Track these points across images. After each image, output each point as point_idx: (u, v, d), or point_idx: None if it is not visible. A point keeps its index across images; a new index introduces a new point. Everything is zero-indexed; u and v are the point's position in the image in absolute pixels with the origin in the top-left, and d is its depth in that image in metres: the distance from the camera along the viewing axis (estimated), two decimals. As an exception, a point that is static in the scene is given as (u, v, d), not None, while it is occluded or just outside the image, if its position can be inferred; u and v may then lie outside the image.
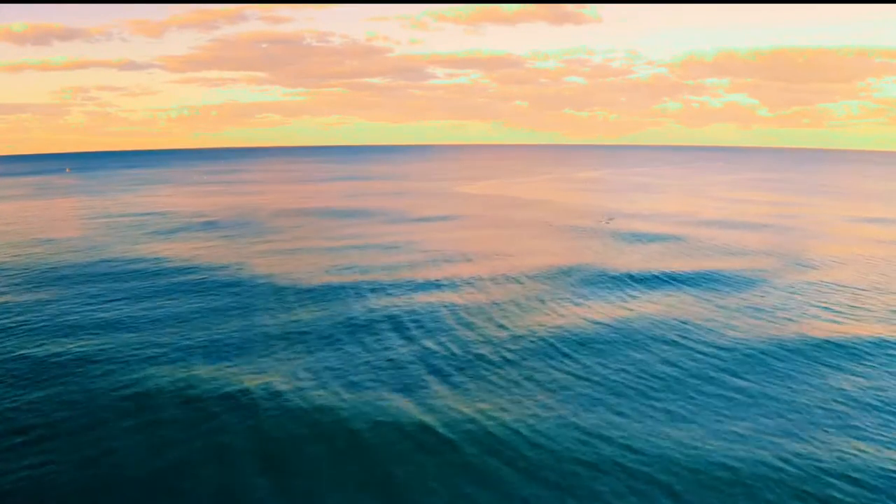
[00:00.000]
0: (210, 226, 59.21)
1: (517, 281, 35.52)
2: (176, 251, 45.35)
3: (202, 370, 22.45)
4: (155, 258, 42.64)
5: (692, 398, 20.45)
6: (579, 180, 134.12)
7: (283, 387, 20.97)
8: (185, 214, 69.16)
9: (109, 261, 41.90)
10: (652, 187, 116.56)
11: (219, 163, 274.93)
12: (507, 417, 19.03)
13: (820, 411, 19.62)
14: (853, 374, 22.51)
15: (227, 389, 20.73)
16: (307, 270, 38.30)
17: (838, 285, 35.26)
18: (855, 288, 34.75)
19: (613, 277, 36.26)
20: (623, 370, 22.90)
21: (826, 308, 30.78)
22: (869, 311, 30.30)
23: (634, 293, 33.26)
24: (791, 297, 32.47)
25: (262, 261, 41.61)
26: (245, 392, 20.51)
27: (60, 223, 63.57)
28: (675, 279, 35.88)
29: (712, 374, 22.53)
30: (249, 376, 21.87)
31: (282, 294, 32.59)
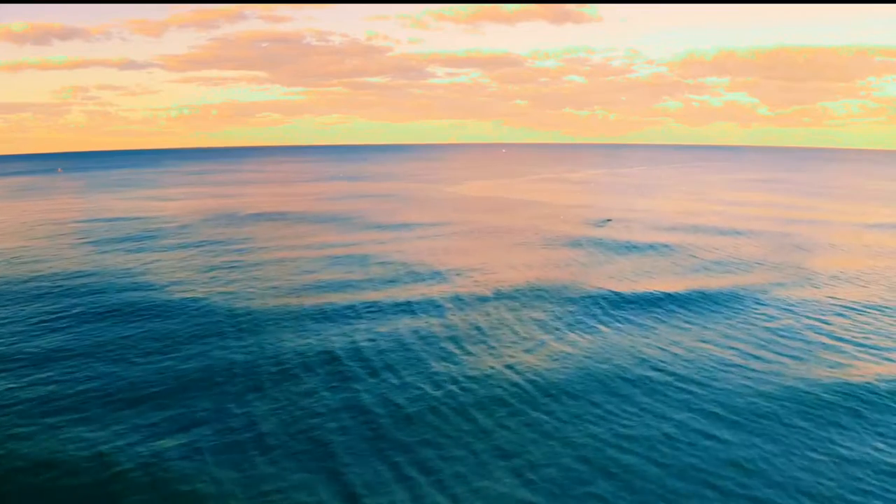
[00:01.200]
0: (171, 233, 54.96)
1: (485, 302, 31.16)
2: (114, 263, 41.07)
3: (77, 429, 18.18)
4: (87, 272, 38.27)
5: (681, 475, 16.21)
6: (575, 180, 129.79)
7: (170, 463, 16.74)
8: (154, 220, 64.97)
9: (37, 277, 37.64)
10: (649, 188, 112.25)
11: (214, 162, 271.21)
12: None
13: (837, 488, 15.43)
14: (875, 431, 18.29)
15: (99, 461, 16.52)
16: (250, 290, 34.00)
17: (846, 307, 30.97)
18: (865, 311, 30.46)
19: (596, 298, 31.94)
20: (600, 421, 18.71)
21: (834, 336, 26.53)
22: (885, 337, 26.01)
23: (620, 317, 28.97)
24: (794, 324, 28.17)
25: (200, 277, 37.27)
26: (114, 465, 16.31)
27: (24, 228, 59.43)
28: (665, 300, 31.53)
29: (705, 434, 18.28)
30: (132, 441, 17.65)
31: (213, 321, 28.30)
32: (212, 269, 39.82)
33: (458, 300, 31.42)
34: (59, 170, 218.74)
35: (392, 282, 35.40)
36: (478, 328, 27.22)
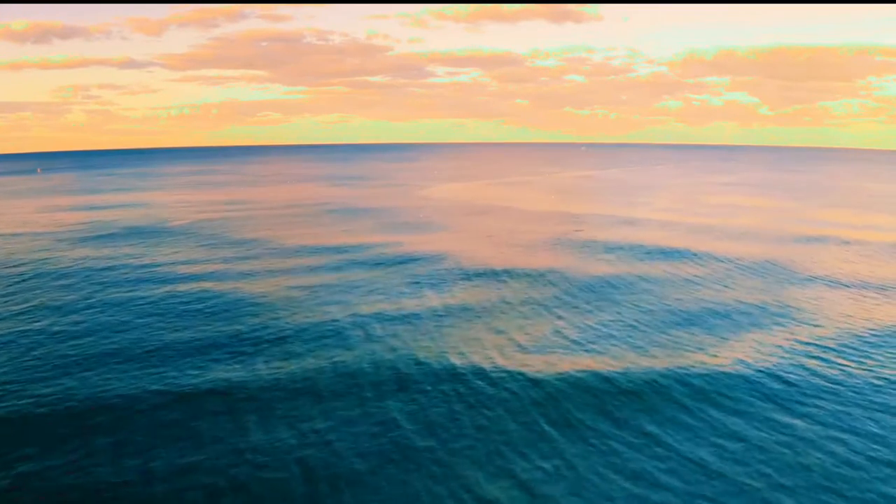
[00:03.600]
0: (51, 256, 45.26)
1: (322, 395, 21.25)
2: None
3: None
4: None
5: None
6: (557, 182, 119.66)
7: None
8: (58, 234, 55.47)
9: None
10: (633, 192, 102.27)
11: (201, 163, 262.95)
12: None
13: None
14: None
15: None
16: (49, 361, 24.19)
17: (856, 393, 21.09)
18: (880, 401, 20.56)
19: (498, 382, 22.05)
20: None
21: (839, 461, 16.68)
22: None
23: (525, 431, 19.20)
24: (779, 439, 18.31)
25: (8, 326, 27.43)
26: None
27: None
28: (595, 385, 21.61)
29: None
30: None
31: None
32: (42, 316, 30.11)
33: (281, 392, 21.35)
34: (39, 170, 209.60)
35: (216, 353, 25.53)
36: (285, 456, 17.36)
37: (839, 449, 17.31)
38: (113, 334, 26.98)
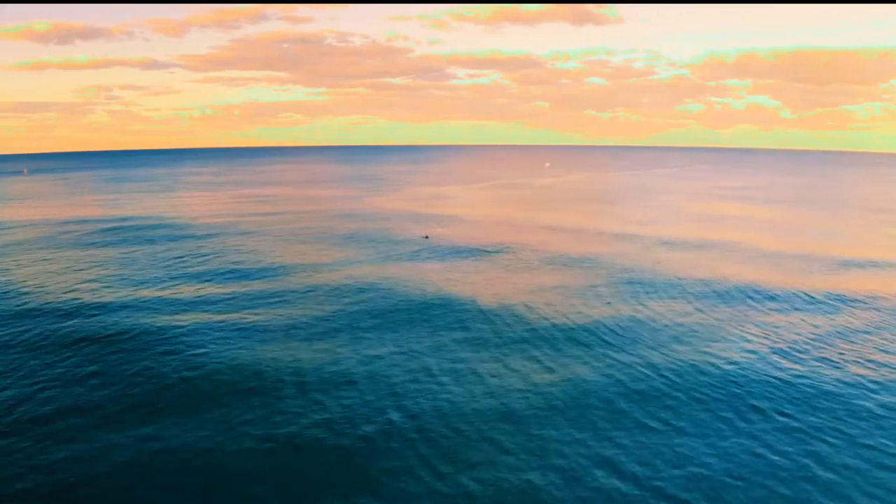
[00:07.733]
0: None
1: None
2: None
3: None
4: None
5: None
6: (537, 186, 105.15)
7: None
8: None
9: None
10: (624, 197, 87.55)
11: (198, 165, 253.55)
12: None
13: None
14: None
15: None
16: None
17: None
18: None
19: None
20: None
21: None
22: None
23: None
24: None
25: None
26: None
27: None
28: None
29: None
30: None
31: None
32: None
33: None
34: (25, 171, 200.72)
35: None
36: None
37: None
38: None
